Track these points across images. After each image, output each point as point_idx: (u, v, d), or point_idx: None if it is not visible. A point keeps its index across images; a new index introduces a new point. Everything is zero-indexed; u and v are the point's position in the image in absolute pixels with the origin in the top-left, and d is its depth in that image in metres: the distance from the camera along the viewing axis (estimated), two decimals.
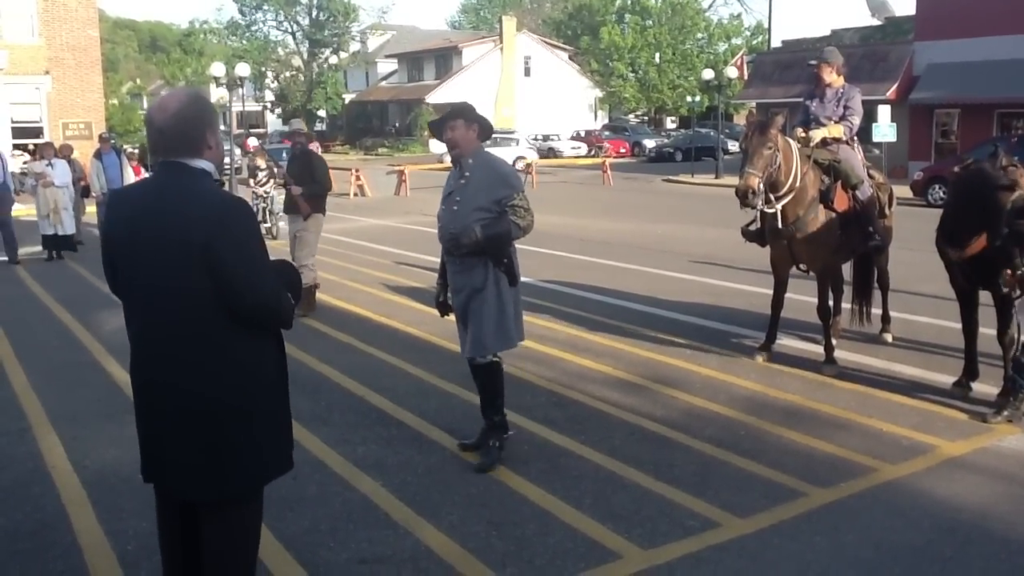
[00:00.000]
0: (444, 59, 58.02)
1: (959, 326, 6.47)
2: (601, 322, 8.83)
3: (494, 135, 5.75)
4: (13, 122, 25.86)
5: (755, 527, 4.32)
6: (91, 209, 16.26)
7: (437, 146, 6.28)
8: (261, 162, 17.05)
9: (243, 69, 28.80)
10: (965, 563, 3.99)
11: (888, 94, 27.40)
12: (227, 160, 24.37)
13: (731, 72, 34.85)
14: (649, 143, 48.05)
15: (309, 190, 9.23)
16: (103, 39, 32.93)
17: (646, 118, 64.69)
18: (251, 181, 17.06)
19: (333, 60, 61.86)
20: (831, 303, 7.20)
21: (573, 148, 48.30)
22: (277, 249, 9.93)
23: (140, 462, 3.10)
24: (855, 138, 7.47)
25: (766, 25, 52.98)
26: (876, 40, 37.62)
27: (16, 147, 24.45)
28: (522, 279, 5.22)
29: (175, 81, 59.71)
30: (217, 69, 28.33)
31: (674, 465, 5.12)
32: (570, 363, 7.37)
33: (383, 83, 63.96)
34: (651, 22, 59.52)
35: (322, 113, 63.48)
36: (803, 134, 7.27)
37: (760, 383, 6.70)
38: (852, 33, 41.83)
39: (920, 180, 22.27)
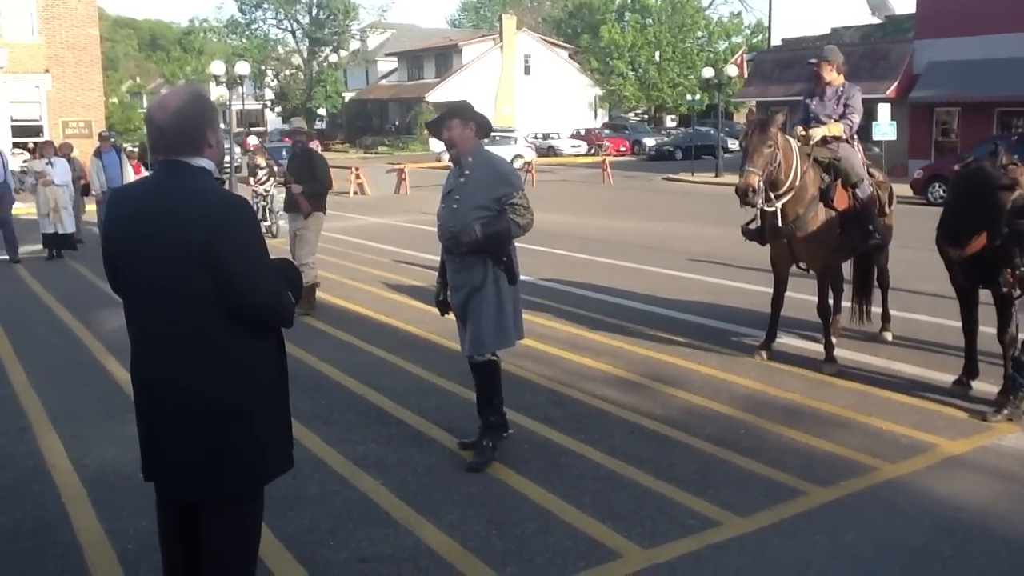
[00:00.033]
0: (444, 57, 57.99)
1: (959, 325, 6.47)
2: (601, 320, 8.82)
3: (493, 134, 5.75)
4: (13, 120, 25.84)
5: (755, 526, 4.32)
6: (91, 208, 16.25)
7: (436, 144, 6.29)
8: (261, 160, 17.05)
9: (243, 67, 28.77)
10: (965, 562, 3.99)
11: (888, 92, 27.39)
12: (227, 158, 24.38)
13: (731, 70, 34.85)
14: (649, 141, 48.01)
15: (310, 188, 9.23)
16: (103, 37, 32.90)
17: (646, 116, 64.67)
18: (251, 179, 17.06)
19: (333, 58, 61.88)
20: (831, 302, 7.19)
21: (573, 146, 48.31)
22: (277, 248, 9.94)
23: (140, 461, 3.10)
24: (855, 136, 7.46)
25: (766, 23, 52.99)
26: (876, 38, 37.64)
27: (16, 145, 24.43)
28: (522, 277, 5.22)
29: (175, 79, 59.72)
30: (217, 67, 28.30)
31: (674, 464, 5.12)
32: (570, 361, 7.36)
33: (383, 81, 63.94)
34: (651, 20, 59.53)
35: (322, 111, 63.49)
36: (803, 132, 7.27)
37: (760, 382, 6.70)
38: (852, 31, 41.86)
39: (920, 178, 22.27)
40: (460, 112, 4.98)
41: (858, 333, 7.94)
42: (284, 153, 23.49)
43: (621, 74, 58.20)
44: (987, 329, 6.26)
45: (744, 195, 6.55)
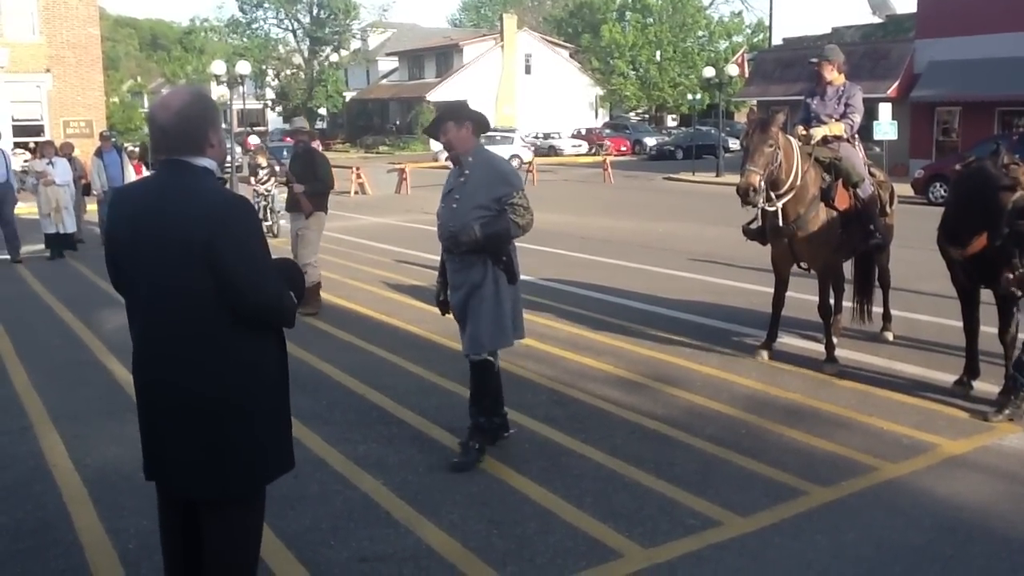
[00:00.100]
0: (445, 57, 57.99)
1: (960, 324, 6.47)
2: (602, 320, 8.82)
3: (492, 134, 5.77)
4: (14, 120, 25.84)
5: (756, 526, 4.32)
6: (92, 207, 16.25)
7: (436, 144, 6.33)
8: (262, 160, 17.05)
9: (244, 67, 28.79)
10: (966, 562, 3.99)
11: (889, 92, 27.37)
12: (228, 158, 24.37)
13: (732, 70, 34.83)
14: (650, 141, 47.97)
15: (312, 188, 9.23)
16: (104, 37, 32.91)
17: (647, 116, 64.65)
18: (252, 179, 17.06)
19: (334, 58, 61.90)
20: (832, 301, 7.19)
21: (574, 146, 48.29)
22: (278, 247, 9.94)
23: (141, 460, 3.10)
24: (856, 136, 7.46)
25: (767, 23, 52.88)
26: (877, 38, 37.60)
27: (17, 145, 24.44)
28: (523, 277, 5.22)
29: (176, 79, 59.72)
30: (218, 67, 28.33)
31: (675, 464, 5.12)
32: (571, 361, 7.37)
33: (384, 81, 63.95)
34: (652, 20, 59.52)
35: (323, 111, 63.52)
36: (804, 132, 7.26)
37: (761, 381, 6.70)
38: (853, 31, 41.82)
39: (921, 178, 22.26)
40: (454, 113, 4.99)
41: (859, 333, 7.94)
42: (285, 153, 23.53)
43: (622, 73, 58.19)
44: (988, 329, 6.26)
45: (745, 195, 6.55)
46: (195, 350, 2.88)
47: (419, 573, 3.93)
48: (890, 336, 7.82)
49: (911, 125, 27.88)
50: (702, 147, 39.18)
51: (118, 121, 41.27)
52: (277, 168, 16.12)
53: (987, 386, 6.23)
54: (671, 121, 66.27)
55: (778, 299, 7.40)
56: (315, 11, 60.93)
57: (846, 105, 7.34)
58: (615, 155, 42.86)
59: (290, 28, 62.51)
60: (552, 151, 46.42)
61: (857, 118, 7.35)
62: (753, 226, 7.43)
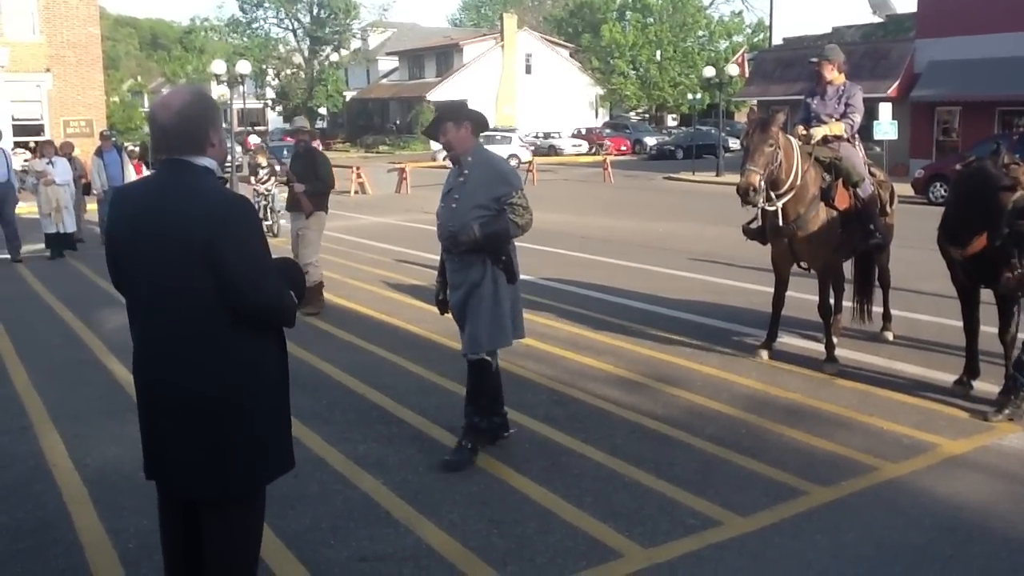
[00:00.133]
0: (445, 56, 57.99)
1: (960, 324, 6.47)
2: (602, 320, 8.82)
3: (492, 133, 5.78)
4: (14, 120, 25.82)
5: (756, 525, 4.32)
6: (92, 207, 16.25)
7: (435, 144, 6.29)
8: (262, 160, 17.05)
9: (244, 67, 28.80)
10: (966, 561, 3.99)
11: (889, 91, 27.37)
12: (228, 158, 24.38)
13: (732, 70, 34.84)
14: (650, 141, 47.97)
15: (313, 187, 9.23)
16: (104, 36, 32.90)
17: (647, 116, 64.66)
18: (252, 179, 17.06)
19: (334, 57, 61.90)
20: (832, 301, 7.19)
21: (574, 146, 48.28)
22: (278, 247, 9.94)
23: (142, 460, 3.10)
24: (856, 136, 7.46)
25: (767, 22, 52.85)
26: (877, 37, 37.62)
27: (17, 145, 24.43)
28: (523, 277, 5.22)
29: (176, 79, 59.73)
30: (218, 66, 28.34)
31: (675, 463, 5.12)
32: (571, 361, 7.37)
33: (384, 80, 63.95)
34: (652, 19, 59.54)
35: (323, 111, 63.50)
36: (804, 132, 7.26)
37: (761, 381, 6.70)
38: (853, 30, 41.84)
39: (921, 178, 22.26)
40: (452, 114, 5.00)
41: (859, 333, 7.94)
42: (285, 152, 23.53)
43: (622, 73, 58.19)
44: (988, 328, 6.26)
45: (745, 194, 6.55)
46: (195, 350, 2.88)
47: (419, 573, 3.93)
48: (890, 336, 7.82)
49: (911, 125, 27.88)
50: (702, 147, 39.20)
51: (118, 121, 41.26)
52: (277, 168, 16.11)
53: (987, 386, 6.23)
54: (671, 121, 66.28)
55: (778, 299, 7.40)
56: (315, 11, 60.93)
57: (846, 105, 7.34)
58: (615, 155, 42.84)
59: (290, 28, 62.57)
60: (552, 151, 46.43)
61: (857, 118, 7.35)
62: (753, 226, 7.44)
